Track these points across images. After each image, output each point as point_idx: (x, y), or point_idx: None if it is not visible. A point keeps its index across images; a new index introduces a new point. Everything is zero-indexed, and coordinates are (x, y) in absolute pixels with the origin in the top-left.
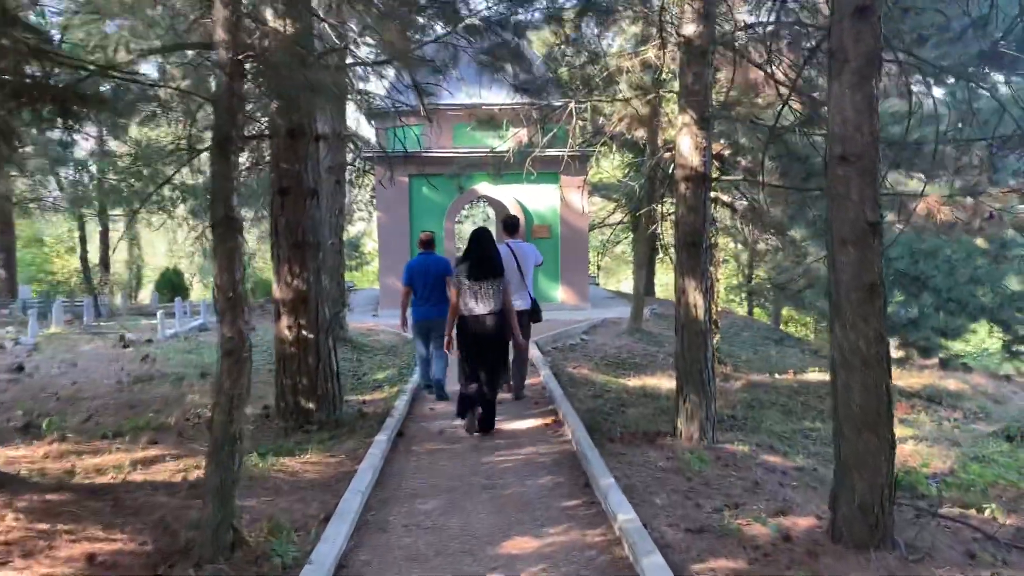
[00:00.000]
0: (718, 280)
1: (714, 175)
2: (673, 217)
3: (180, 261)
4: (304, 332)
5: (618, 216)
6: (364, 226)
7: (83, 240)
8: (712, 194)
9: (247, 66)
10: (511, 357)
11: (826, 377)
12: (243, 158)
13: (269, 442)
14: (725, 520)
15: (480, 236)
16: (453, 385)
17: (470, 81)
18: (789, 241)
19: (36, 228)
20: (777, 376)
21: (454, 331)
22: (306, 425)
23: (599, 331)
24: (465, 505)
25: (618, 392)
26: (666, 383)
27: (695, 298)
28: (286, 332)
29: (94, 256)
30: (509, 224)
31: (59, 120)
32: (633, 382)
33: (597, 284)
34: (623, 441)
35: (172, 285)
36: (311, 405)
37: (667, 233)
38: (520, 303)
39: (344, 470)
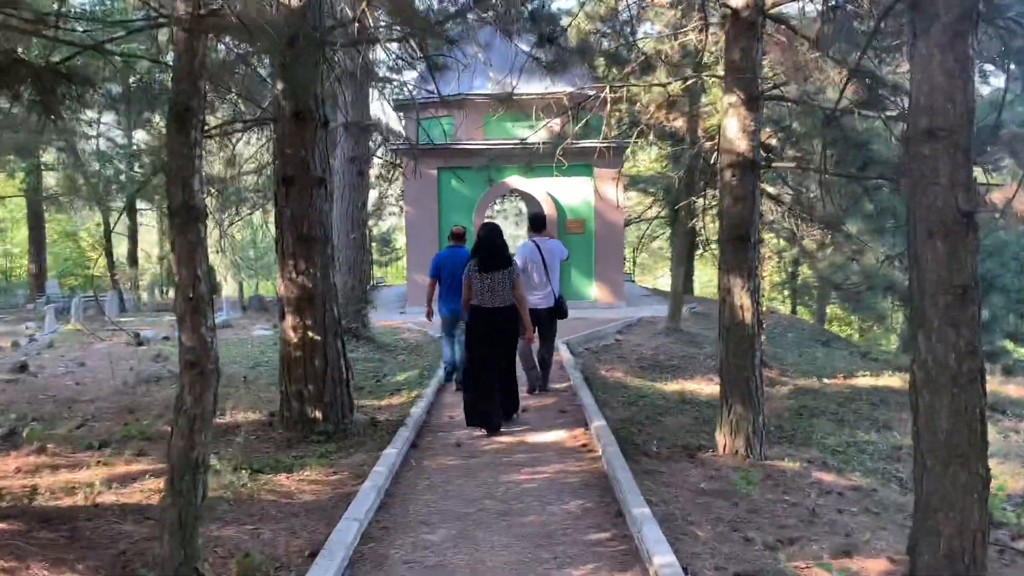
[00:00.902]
0: (763, 277)
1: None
2: (715, 210)
3: (211, 257)
4: (310, 333)
5: (655, 210)
6: (396, 221)
7: (108, 234)
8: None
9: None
10: (536, 352)
11: (878, 382)
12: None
13: (268, 455)
14: (780, 562)
15: (488, 229)
16: None
17: (495, 63)
18: (844, 236)
19: (70, 222)
20: (825, 381)
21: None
22: (311, 435)
23: (634, 331)
24: (477, 535)
25: (654, 398)
26: (706, 388)
27: (741, 298)
28: (291, 333)
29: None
30: (535, 221)
31: (39, 101)
32: (671, 387)
33: (633, 281)
34: (660, 456)
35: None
36: (317, 413)
37: (708, 228)
38: (544, 300)
39: (345, 491)
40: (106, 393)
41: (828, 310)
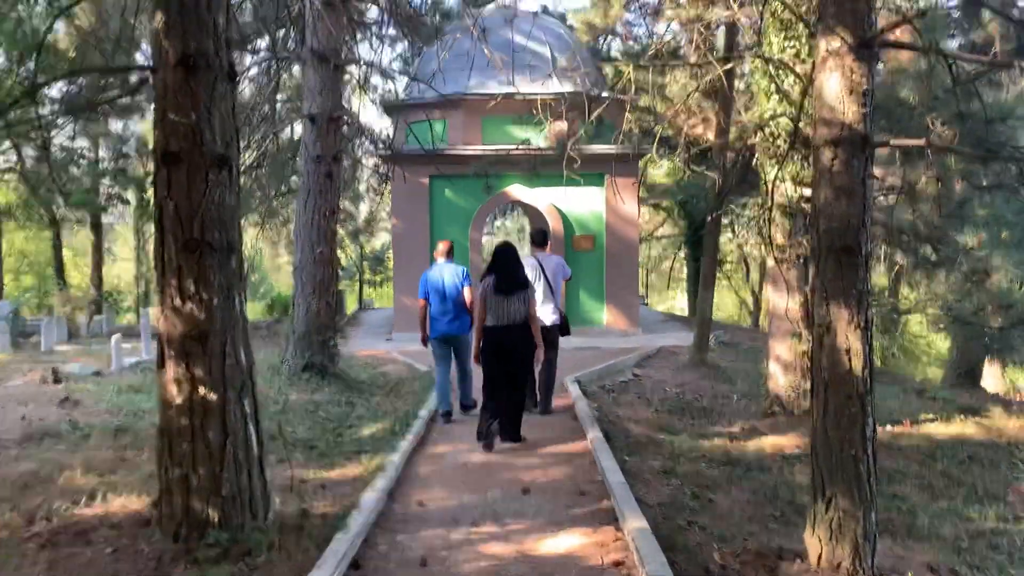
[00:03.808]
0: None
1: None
2: (743, 223)
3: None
4: (201, 390)
5: (670, 227)
6: (389, 238)
7: (58, 248)
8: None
9: None
10: (537, 371)
11: (950, 429)
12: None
13: None
14: None
15: (505, 249)
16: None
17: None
18: (961, 250)
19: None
20: (890, 428)
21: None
22: (198, 548)
23: (654, 363)
24: None
25: (694, 460)
26: (752, 442)
27: (847, 339)
28: (172, 389)
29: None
30: (537, 237)
31: None
32: (711, 442)
33: (646, 304)
34: (729, 574)
35: None
36: (211, 513)
37: (727, 245)
38: (548, 318)
39: None
40: None
41: None
